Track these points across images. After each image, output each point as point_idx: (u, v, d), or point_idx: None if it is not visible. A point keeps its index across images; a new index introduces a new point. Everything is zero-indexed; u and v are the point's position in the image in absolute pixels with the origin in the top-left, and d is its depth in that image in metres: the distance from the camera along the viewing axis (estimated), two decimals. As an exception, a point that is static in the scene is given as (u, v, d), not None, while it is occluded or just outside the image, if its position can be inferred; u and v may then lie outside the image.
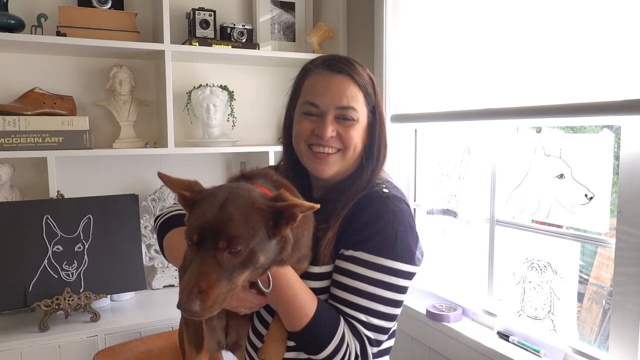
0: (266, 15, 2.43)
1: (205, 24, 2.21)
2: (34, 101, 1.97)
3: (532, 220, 1.60)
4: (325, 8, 2.53)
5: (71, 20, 1.97)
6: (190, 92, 2.28)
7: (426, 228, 2.06)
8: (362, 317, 0.99)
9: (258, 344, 1.09)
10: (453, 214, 1.82)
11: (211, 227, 0.81)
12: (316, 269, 1.04)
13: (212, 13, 2.24)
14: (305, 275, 1.03)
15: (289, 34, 2.49)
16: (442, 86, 1.86)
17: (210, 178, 2.41)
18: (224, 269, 0.81)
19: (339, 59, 1.11)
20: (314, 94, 1.08)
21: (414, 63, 2.01)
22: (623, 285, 1.28)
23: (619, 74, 1.26)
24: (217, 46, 2.18)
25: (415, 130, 2.13)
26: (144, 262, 2.13)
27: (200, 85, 2.26)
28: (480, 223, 1.76)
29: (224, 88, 2.27)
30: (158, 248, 2.16)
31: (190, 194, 0.89)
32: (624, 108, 1.23)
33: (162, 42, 2.05)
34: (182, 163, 2.38)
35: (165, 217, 1.19)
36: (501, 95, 1.60)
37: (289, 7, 2.48)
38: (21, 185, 2.06)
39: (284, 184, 1.00)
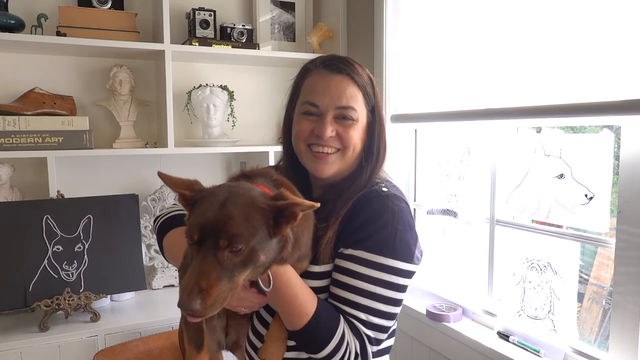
0: (266, 15, 2.43)
1: (205, 24, 2.21)
2: (34, 101, 1.97)
3: (532, 220, 1.60)
4: (325, 8, 2.53)
5: (71, 20, 1.97)
6: (190, 92, 2.28)
7: (426, 228, 2.06)
8: (362, 315, 0.99)
9: (258, 344, 1.09)
10: (453, 214, 1.82)
11: (212, 225, 0.81)
12: (316, 268, 1.04)
13: (212, 13, 2.24)
14: (306, 274, 1.03)
15: (289, 34, 2.49)
16: (442, 86, 1.86)
17: (210, 178, 2.41)
18: (225, 268, 0.81)
19: (339, 59, 1.11)
20: (313, 94, 1.08)
21: (414, 63, 2.01)
22: (623, 285, 1.28)
23: (619, 74, 1.26)
24: (217, 46, 2.18)
25: (415, 130, 2.13)
26: (144, 262, 2.13)
27: (200, 85, 2.26)
28: (480, 223, 1.76)
29: (224, 88, 2.27)
30: (158, 248, 2.16)
31: (190, 193, 0.89)
32: (624, 108, 1.23)
33: (162, 42, 2.05)
34: (182, 163, 2.38)
35: (165, 217, 1.20)
36: (501, 95, 1.60)
37: (289, 7, 2.48)
38: (21, 185, 2.06)
39: (284, 183, 1.00)
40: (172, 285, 2.26)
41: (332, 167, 1.09)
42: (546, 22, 1.44)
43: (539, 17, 1.46)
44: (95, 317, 1.84)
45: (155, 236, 1.26)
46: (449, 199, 1.85)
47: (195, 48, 2.14)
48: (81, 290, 1.86)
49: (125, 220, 1.99)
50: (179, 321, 1.15)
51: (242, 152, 2.42)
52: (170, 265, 2.24)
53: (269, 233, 0.86)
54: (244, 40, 2.27)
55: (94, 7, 2.04)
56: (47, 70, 2.12)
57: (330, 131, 1.06)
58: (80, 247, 1.89)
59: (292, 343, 1.05)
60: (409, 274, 1.03)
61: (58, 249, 1.86)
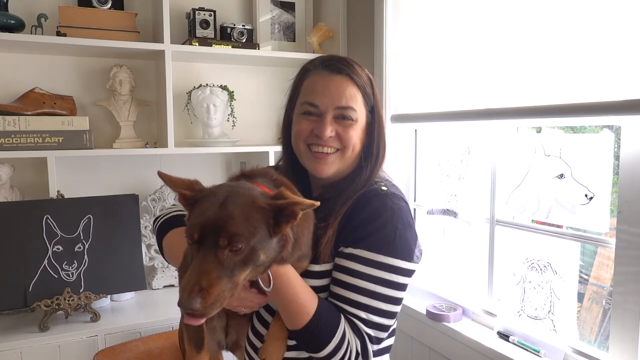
0: (266, 15, 2.43)
1: (205, 24, 2.21)
2: (34, 101, 1.97)
3: (532, 220, 1.60)
4: (325, 8, 2.54)
5: (71, 20, 1.97)
6: (190, 92, 2.28)
7: (426, 228, 2.06)
8: (363, 314, 0.99)
9: (257, 343, 1.09)
10: (453, 214, 1.82)
11: (212, 225, 0.81)
12: (316, 267, 1.04)
13: (212, 13, 2.24)
14: (306, 274, 1.03)
15: (289, 34, 2.49)
16: (442, 86, 1.86)
17: (210, 178, 2.40)
18: (225, 267, 0.81)
19: (338, 60, 1.11)
20: (313, 94, 1.09)
21: (414, 63, 2.01)
22: (623, 285, 1.28)
23: (619, 74, 1.26)
24: (217, 46, 2.18)
25: (415, 130, 2.13)
26: (144, 262, 2.13)
27: (200, 85, 2.26)
28: (480, 223, 1.76)
29: (224, 88, 2.27)
30: (158, 248, 2.16)
31: (190, 192, 0.89)
32: (624, 108, 1.23)
33: (162, 42, 2.05)
34: (182, 163, 2.38)
35: (165, 218, 1.20)
36: (501, 95, 1.60)
37: (289, 7, 2.48)
38: (21, 185, 2.06)
39: (284, 183, 1.00)
40: (172, 285, 2.26)
41: (331, 167, 1.09)
42: (546, 22, 1.44)
43: (539, 17, 1.46)
44: (95, 317, 1.84)
45: (155, 236, 1.26)
46: (449, 199, 1.85)
47: (195, 48, 2.14)
48: (81, 290, 1.86)
49: (125, 220, 1.99)
50: (179, 321, 1.15)
51: (242, 152, 2.42)
52: (170, 265, 2.23)
53: (269, 232, 0.86)
54: (244, 40, 2.27)
55: (94, 7, 2.04)
56: (47, 70, 2.12)
57: (329, 131, 1.06)
58: (80, 247, 1.89)
59: (292, 342, 1.05)
60: (408, 273, 1.03)
61: (58, 249, 1.86)
